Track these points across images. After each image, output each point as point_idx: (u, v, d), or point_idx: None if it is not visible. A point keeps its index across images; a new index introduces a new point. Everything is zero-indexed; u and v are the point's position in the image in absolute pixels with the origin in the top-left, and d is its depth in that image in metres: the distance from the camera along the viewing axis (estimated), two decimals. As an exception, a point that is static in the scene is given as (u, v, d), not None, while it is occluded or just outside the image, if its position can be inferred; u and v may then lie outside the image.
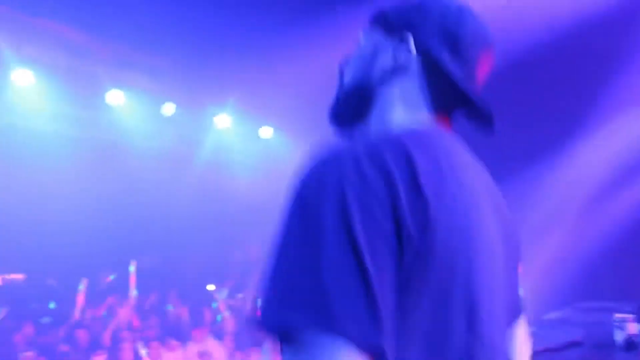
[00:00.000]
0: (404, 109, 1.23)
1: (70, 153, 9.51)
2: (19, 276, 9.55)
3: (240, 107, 10.89)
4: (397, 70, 1.24)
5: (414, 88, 1.23)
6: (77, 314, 7.82)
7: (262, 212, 11.24)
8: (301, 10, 8.06)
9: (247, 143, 11.87)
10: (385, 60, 1.25)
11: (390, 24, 1.27)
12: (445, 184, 1.06)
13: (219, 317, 8.72)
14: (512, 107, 7.16)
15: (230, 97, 10.60)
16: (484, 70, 1.28)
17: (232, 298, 9.68)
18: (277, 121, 11.64)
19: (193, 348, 7.47)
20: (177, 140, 11.05)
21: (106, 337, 7.00)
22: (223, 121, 11.17)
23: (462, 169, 1.14)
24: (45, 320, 7.57)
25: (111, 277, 9.59)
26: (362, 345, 0.90)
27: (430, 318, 1.00)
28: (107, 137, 10.20)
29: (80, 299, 8.20)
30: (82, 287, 8.19)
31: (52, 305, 8.77)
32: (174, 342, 7.36)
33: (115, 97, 9.80)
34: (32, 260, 8.79)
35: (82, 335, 7.04)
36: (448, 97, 1.24)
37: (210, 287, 10.47)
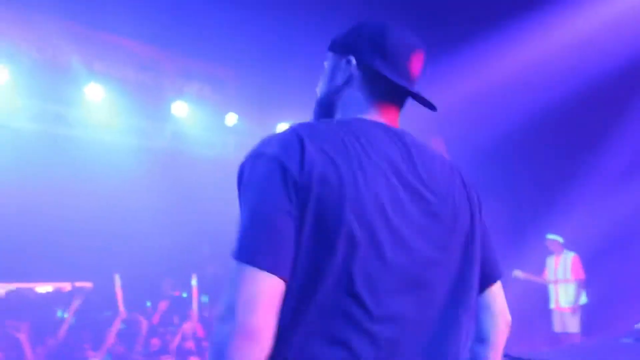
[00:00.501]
0: (353, 110, 1.71)
1: (137, 163, 9.84)
2: (87, 284, 9.85)
3: (302, 116, 10.99)
4: (346, 83, 1.73)
5: (359, 94, 1.72)
6: (155, 320, 7.99)
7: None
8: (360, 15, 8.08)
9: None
10: (338, 77, 1.75)
11: (338, 49, 1.78)
12: (338, 160, 1.49)
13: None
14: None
15: (291, 106, 10.72)
16: (416, 66, 1.72)
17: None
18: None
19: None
20: (240, 150, 11.26)
21: (173, 347, 7.15)
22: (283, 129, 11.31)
23: (374, 147, 1.56)
24: (123, 327, 7.82)
25: (184, 295, 9.71)
26: (267, 270, 1.39)
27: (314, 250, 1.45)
28: (172, 146, 10.50)
29: (163, 305, 8.37)
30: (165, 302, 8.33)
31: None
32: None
33: (180, 108, 10.07)
34: (99, 268, 9.05)
35: (155, 342, 7.22)
36: (390, 93, 1.71)
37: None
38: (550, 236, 9.30)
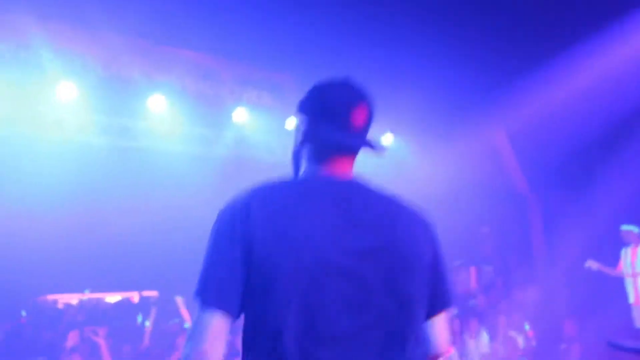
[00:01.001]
0: (309, 163, 1.96)
1: (201, 171, 10.04)
2: (153, 293, 10.04)
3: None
4: (302, 141, 1.98)
5: (312, 150, 1.95)
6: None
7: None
8: (418, 22, 8.06)
9: (369, 151, 11.91)
10: (297, 136, 2.02)
11: (298, 110, 2.06)
12: (280, 216, 1.76)
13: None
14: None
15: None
16: (359, 118, 1.93)
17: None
18: (398, 128, 11.63)
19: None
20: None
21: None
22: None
23: (316, 200, 1.81)
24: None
25: None
26: (214, 307, 1.70)
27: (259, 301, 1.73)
28: (234, 153, 10.65)
29: None
30: None
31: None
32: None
33: (241, 115, 10.22)
34: (164, 277, 9.17)
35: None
36: (334, 146, 1.93)
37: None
38: (626, 227, 8.92)
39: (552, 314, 9.49)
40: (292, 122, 10.52)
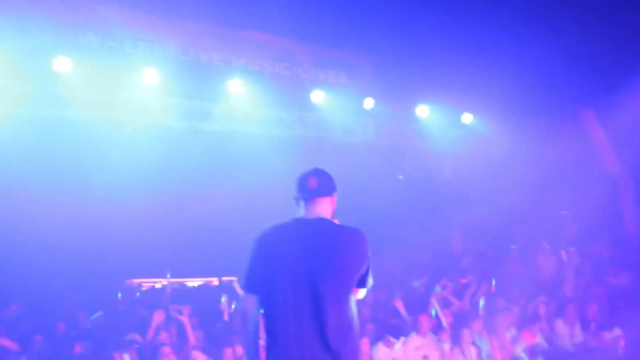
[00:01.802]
0: (299, 211, 3.34)
1: (280, 153, 10.17)
2: (233, 278, 10.23)
3: (439, 97, 10.83)
4: (297, 201, 3.36)
5: (300, 205, 3.35)
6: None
7: (466, 197, 11.22)
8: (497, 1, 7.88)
9: (448, 130, 11.76)
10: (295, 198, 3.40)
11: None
12: (271, 242, 3.25)
13: (433, 312, 8.66)
14: None
15: (429, 88, 10.59)
16: (312, 183, 3.33)
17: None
18: (477, 108, 11.40)
19: (413, 343, 7.51)
20: (380, 134, 11.28)
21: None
22: (423, 111, 11.20)
23: (293, 233, 3.24)
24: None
25: None
26: (247, 291, 3.24)
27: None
28: (313, 134, 10.74)
29: None
30: None
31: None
32: (392, 339, 7.45)
33: (318, 97, 10.29)
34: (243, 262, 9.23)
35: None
36: (302, 200, 3.34)
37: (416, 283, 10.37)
38: None
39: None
40: (369, 102, 10.54)
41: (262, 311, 3.12)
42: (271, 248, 3.21)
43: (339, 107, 10.57)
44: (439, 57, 9.63)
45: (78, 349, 6.41)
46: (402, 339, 7.47)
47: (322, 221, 3.29)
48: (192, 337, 6.61)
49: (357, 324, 3.16)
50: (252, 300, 3.16)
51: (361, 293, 3.35)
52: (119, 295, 8.85)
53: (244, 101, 9.89)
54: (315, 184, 3.34)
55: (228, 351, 6.35)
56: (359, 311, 3.37)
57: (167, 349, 6.00)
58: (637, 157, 10.41)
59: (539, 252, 10.68)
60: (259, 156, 10.01)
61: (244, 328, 3.20)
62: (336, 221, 3.37)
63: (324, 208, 3.35)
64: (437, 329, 7.88)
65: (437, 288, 8.86)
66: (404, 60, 9.98)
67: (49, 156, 8.52)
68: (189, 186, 10.07)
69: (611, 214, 11.09)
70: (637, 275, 9.61)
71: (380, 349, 7.30)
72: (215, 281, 10.03)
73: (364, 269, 3.25)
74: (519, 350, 8.13)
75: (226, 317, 7.43)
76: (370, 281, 3.31)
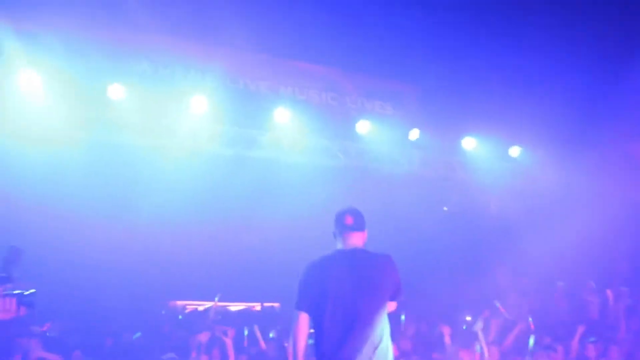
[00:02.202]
0: (338, 244, 4.10)
1: (324, 181, 10.31)
2: (275, 304, 10.33)
3: (486, 128, 10.83)
4: (335, 235, 4.14)
5: (338, 239, 4.11)
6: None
7: (513, 232, 11.10)
8: (545, 31, 7.90)
9: (495, 163, 11.71)
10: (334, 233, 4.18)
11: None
12: (318, 269, 3.99)
13: (477, 348, 8.57)
14: None
15: (476, 119, 10.61)
16: (349, 220, 4.09)
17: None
18: (525, 140, 11.33)
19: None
20: (425, 165, 11.31)
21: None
22: (469, 143, 11.20)
23: (336, 261, 4.00)
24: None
25: None
26: (299, 309, 3.96)
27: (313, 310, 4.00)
28: (358, 165, 10.85)
29: None
30: None
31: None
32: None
33: (364, 127, 10.42)
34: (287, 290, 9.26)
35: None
36: (341, 236, 4.09)
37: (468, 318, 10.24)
38: None
39: None
40: (415, 133, 10.61)
41: (312, 330, 3.94)
42: (319, 274, 3.95)
43: (385, 138, 10.67)
44: (486, 88, 9.69)
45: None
46: None
47: (358, 251, 4.06)
48: (232, 357, 6.73)
49: (387, 336, 3.95)
50: (303, 319, 3.90)
51: (392, 305, 4.15)
52: (163, 312, 9.05)
53: (290, 130, 10.09)
54: (352, 221, 4.11)
55: None
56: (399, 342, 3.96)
57: None
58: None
59: (585, 290, 10.48)
60: (303, 184, 10.17)
61: (293, 342, 3.88)
62: None
63: (358, 240, 4.08)
64: None
65: (479, 324, 8.76)
66: (451, 91, 10.06)
67: (101, 180, 8.85)
68: (234, 212, 10.28)
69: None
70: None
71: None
72: (257, 306, 10.14)
73: (394, 286, 4.05)
74: None
75: (262, 345, 7.50)
76: (400, 296, 4.12)
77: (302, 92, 10.29)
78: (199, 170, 9.49)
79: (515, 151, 11.73)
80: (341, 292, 3.87)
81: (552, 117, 9.67)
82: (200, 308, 10.09)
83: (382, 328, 3.92)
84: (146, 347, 7.27)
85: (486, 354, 7.96)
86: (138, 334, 7.98)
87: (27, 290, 3.66)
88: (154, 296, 9.48)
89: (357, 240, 4.05)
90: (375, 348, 3.85)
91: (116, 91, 8.67)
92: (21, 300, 3.60)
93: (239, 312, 10.59)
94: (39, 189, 8.44)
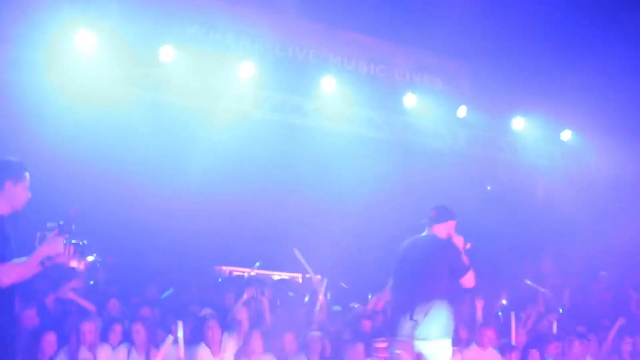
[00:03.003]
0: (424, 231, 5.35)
1: (367, 153, 10.49)
2: (297, 275, 10.56)
3: (535, 109, 10.82)
4: (423, 225, 5.53)
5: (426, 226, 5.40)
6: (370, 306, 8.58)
7: (559, 217, 11.12)
8: (602, 13, 7.86)
9: (545, 145, 11.71)
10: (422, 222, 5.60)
11: None
12: (401, 249, 5.29)
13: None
14: None
15: (527, 99, 10.61)
16: (432, 213, 5.34)
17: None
18: (578, 124, 11.28)
19: (469, 354, 7.66)
20: (471, 143, 11.38)
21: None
22: (519, 123, 11.21)
23: (412, 244, 5.25)
24: (337, 308, 8.60)
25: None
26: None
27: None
28: (403, 138, 11.01)
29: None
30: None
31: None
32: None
33: (411, 100, 10.55)
34: (327, 259, 9.44)
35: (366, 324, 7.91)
36: (430, 226, 5.33)
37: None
38: None
39: None
40: (463, 110, 10.68)
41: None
42: (399, 253, 5.26)
43: (432, 113, 10.80)
44: (540, 68, 9.70)
45: (147, 312, 7.03)
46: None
47: (431, 237, 5.18)
48: (268, 317, 7.06)
49: (440, 306, 4.91)
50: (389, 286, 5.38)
51: (466, 280, 5.12)
52: (219, 280, 9.47)
53: (336, 99, 10.30)
54: (434, 214, 5.24)
55: (289, 336, 6.83)
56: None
57: (213, 323, 6.54)
58: None
59: (629, 284, 10.47)
60: (347, 155, 10.37)
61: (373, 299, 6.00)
62: (468, 245, 5.30)
63: (439, 229, 5.20)
64: (505, 347, 7.95)
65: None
66: (503, 68, 10.09)
67: (149, 139, 9.21)
68: (276, 179, 10.56)
69: None
70: None
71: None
72: (299, 277, 10.43)
73: (451, 267, 5.03)
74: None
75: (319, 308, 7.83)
76: (463, 270, 5.06)
77: (351, 62, 10.48)
78: (244, 135, 9.77)
79: (566, 135, 11.69)
80: (408, 268, 5.07)
81: (608, 102, 9.62)
82: (245, 275, 10.44)
83: (435, 299, 4.89)
84: (185, 302, 7.68)
85: (513, 337, 8.14)
86: (170, 290, 8.38)
87: (81, 241, 4.07)
88: (197, 259, 9.86)
89: (437, 229, 5.19)
90: (425, 314, 4.85)
91: (167, 53, 9.01)
92: (77, 249, 4.00)
93: (282, 280, 10.89)
94: (89, 146, 8.87)
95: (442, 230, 5.18)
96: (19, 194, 4.04)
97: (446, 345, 4.97)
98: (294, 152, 10.47)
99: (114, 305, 7.33)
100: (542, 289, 9.35)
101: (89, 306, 6.73)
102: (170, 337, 6.32)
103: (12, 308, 4.06)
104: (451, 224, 5.24)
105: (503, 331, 8.23)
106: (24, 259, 3.79)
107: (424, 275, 4.97)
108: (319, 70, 10.14)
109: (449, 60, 10.75)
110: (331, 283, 9.12)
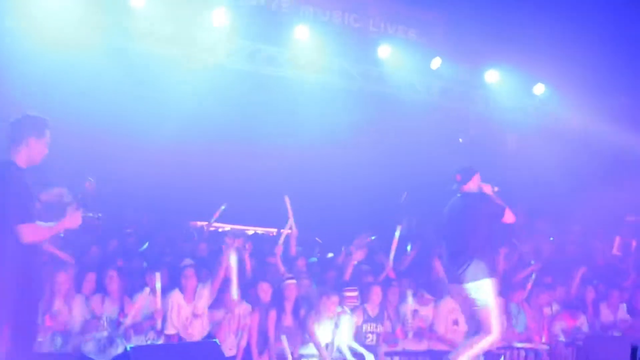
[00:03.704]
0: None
1: (340, 104, 10.60)
2: (272, 230, 10.74)
3: (510, 62, 11.00)
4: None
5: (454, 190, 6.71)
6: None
7: (529, 171, 11.42)
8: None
9: (517, 99, 11.95)
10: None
11: None
12: (445, 214, 6.49)
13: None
14: None
15: (501, 53, 10.77)
16: (457, 177, 6.46)
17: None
18: (552, 79, 11.50)
19: (446, 305, 8.02)
20: (445, 95, 11.56)
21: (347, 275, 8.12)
22: (492, 76, 11.41)
23: (451, 207, 6.42)
24: (313, 259, 8.91)
25: (372, 238, 10.10)
26: None
27: None
28: (375, 89, 11.14)
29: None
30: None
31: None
32: (427, 297, 8.00)
33: (385, 51, 10.66)
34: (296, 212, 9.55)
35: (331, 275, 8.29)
36: (459, 187, 6.48)
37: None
38: None
39: None
40: (437, 62, 10.81)
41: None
42: (445, 216, 6.37)
43: (406, 64, 10.91)
44: (515, 21, 9.81)
45: (121, 262, 7.21)
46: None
47: (464, 195, 6.28)
48: (249, 267, 7.29)
49: (484, 252, 6.03)
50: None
51: (507, 218, 6.18)
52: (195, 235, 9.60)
53: (309, 49, 10.32)
54: (460, 177, 6.29)
55: (264, 285, 7.13)
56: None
57: (190, 271, 6.76)
58: None
59: (597, 237, 10.90)
60: (320, 105, 10.46)
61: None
62: (496, 188, 6.34)
63: (468, 188, 6.26)
64: None
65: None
66: (478, 21, 10.21)
67: (116, 86, 9.17)
68: (249, 129, 10.64)
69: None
70: None
71: (411, 304, 7.90)
72: (274, 232, 10.58)
73: (486, 213, 6.12)
74: (557, 329, 8.56)
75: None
76: (501, 211, 6.13)
77: (325, 12, 10.49)
78: (217, 85, 9.78)
79: (539, 89, 11.93)
80: (453, 226, 6.21)
81: (581, 56, 9.81)
82: (220, 230, 10.56)
83: (477, 247, 5.99)
84: (161, 255, 7.86)
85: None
86: (146, 245, 8.54)
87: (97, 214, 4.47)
88: (171, 213, 9.95)
89: (467, 188, 6.25)
90: (470, 261, 5.93)
91: (137, -1, 8.94)
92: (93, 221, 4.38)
93: (257, 235, 11.05)
94: (57, 94, 8.81)
95: (471, 186, 6.24)
96: (39, 150, 4.22)
97: (488, 284, 5.97)
98: (267, 102, 10.55)
99: (88, 255, 7.48)
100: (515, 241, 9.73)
101: (66, 257, 6.86)
102: (147, 289, 6.52)
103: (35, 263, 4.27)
104: (476, 177, 6.29)
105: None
106: (51, 224, 4.01)
107: (466, 228, 6.07)
108: (293, 20, 10.14)
109: (423, 11, 10.82)
110: (305, 235, 9.37)
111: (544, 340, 8.53)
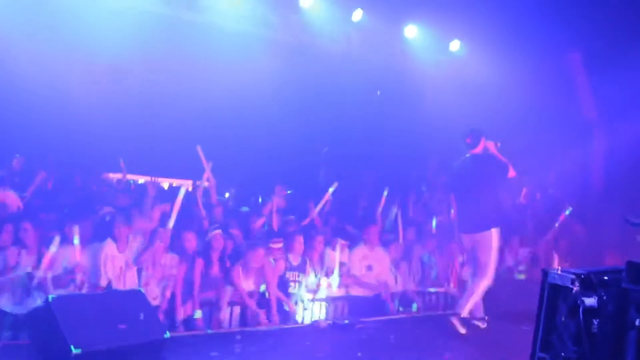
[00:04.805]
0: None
1: (259, 53, 10.70)
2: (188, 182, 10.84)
3: (429, 18, 11.41)
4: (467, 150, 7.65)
5: (467, 151, 7.49)
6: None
7: (444, 124, 11.95)
8: None
9: (434, 55, 12.44)
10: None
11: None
12: (454, 169, 7.56)
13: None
14: None
15: (421, 7, 11.14)
16: (468, 140, 7.42)
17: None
18: (467, 36, 12.01)
19: (358, 253, 8.58)
20: (364, 47, 11.89)
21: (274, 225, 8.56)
22: (411, 31, 11.83)
23: (461, 164, 7.40)
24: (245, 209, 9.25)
25: (288, 192, 10.39)
26: None
27: None
28: (296, 39, 11.32)
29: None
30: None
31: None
32: (341, 241, 8.51)
33: (307, 1, 10.82)
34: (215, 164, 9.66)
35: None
36: (466, 150, 7.46)
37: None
38: None
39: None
40: (358, 14, 11.09)
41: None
42: (455, 171, 7.39)
43: (327, 15, 11.16)
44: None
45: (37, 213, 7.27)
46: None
47: (473, 156, 7.17)
48: (174, 217, 7.43)
49: (489, 204, 7.00)
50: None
51: (510, 173, 7.08)
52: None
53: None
54: (470, 140, 7.20)
55: (189, 235, 7.35)
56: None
57: (122, 220, 6.91)
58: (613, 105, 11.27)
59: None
60: (238, 53, 10.49)
61: None
62: (498, 144, 7.20)
63: (477, 150, 7.17)
64: (388, 241, 8.97)
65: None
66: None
67: (28, 29, 8.92)
68: (167, 76, 10.59)
69: (580, 160, 11.98)
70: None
71: (329, 252, 8.38)
72: (189, 185, 10.64)
73: (493, 169, 7.04)
74: (466, 274, 9.31)
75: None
76: (506, 167, 7.03)
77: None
78: (131, 29, 9.59)
79: (455, 45, 12.49)
80: (463, 182, 7.16)
81: (497, 16, 10.29)
82: (140, 181, 10.52)
83: (484, 201, 6.93)
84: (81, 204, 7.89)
85: (400, 234, 9.21)
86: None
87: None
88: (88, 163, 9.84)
89: (475, 150, 7.16)
90: (477, 212, 6.95)
91: None
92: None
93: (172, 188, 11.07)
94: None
95: (480, 147, 7.19)
96: None
97: (493, 233, 7.01)
98: (185, 49, 10.50)
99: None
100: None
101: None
102: (57, 238, 6.51)
103: None
104: (483, 140, 7.20)
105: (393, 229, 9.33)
106: None
107: (475, 185, 7.04)
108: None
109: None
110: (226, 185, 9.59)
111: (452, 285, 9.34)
